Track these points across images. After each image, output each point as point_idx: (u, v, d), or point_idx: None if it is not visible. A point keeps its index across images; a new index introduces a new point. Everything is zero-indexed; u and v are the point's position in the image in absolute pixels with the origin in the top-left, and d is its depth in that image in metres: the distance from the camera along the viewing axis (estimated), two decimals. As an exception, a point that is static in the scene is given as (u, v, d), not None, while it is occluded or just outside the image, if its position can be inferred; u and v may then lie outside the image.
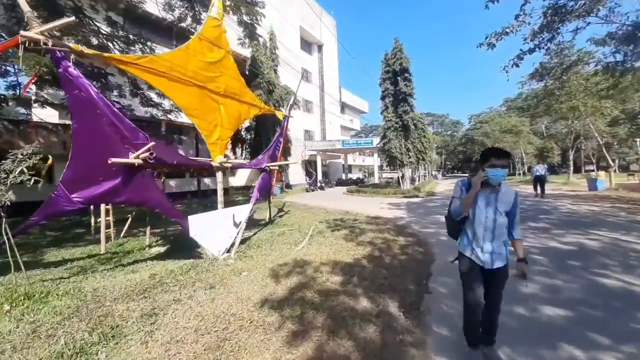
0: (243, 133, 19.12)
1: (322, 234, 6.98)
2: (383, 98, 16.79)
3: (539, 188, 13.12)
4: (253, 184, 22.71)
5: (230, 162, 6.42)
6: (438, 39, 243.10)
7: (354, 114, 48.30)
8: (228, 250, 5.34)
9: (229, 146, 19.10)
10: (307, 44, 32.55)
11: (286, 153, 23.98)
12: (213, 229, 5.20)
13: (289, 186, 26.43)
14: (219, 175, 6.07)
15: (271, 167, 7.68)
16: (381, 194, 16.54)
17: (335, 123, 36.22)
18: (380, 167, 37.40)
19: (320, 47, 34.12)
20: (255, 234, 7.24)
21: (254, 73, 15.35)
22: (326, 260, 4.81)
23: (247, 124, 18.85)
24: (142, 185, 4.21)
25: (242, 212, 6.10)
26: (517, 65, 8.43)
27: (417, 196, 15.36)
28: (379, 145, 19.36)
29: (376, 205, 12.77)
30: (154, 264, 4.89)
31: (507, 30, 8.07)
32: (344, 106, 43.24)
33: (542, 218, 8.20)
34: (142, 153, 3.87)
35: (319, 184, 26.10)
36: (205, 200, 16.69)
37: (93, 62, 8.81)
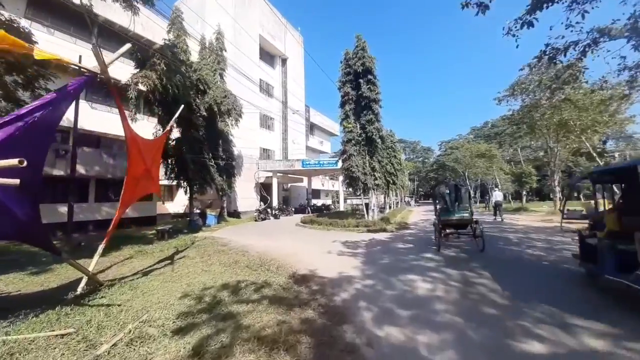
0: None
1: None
2: (343, 105, 13.47)
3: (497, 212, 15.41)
4: (208, 210, 17.78)
5: None
6: (406, 65, 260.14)
7: (325, 136, 45.56)
8: None
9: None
10: (268, 56, 29.69)
11: (232, 172, 19.73)
12: None
13: (236, 214, 21.71)
14: None
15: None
16: (339, 226, 12.54)
17: (300, 143, 32.75)
18: (352, 192, 34.10)
19: (284, 61, 31.44)
20: None
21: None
22: None
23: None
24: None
25: None
26: (531, 25, 5.18)
27: (384, 230, 11.53)
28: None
29: (325, 245, 8.69)
30: None
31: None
32: (313, 127, 40.35)
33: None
34: None
35: (272, 212, 21.67)
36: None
37: None
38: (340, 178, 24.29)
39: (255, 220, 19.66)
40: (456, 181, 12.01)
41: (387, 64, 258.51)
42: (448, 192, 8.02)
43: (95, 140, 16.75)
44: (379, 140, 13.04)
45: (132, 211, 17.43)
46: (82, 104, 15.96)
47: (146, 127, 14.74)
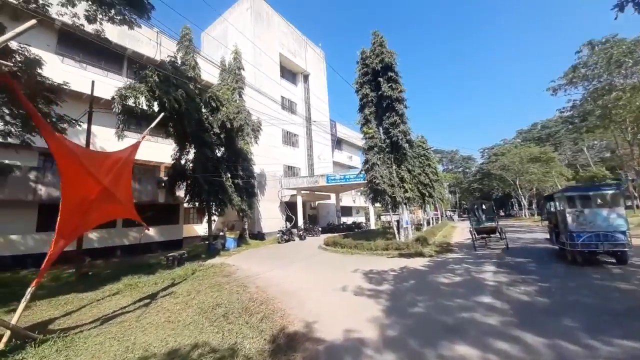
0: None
1: None
2: (362, 108, 11.83)
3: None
4: (227, 233, 16.88)
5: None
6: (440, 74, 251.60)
7: (354, 151, 43.89)
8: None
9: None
10: (290, 73, 29.53)
11: (252, 192, 18.82)
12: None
13: (260, 235, 20.58)
14: None
15: None
16: (365, 250, 10.51)
17: (327, 159, 31.44)
18: (387, 209, 31.30)
19: (306, 77, 31.07)
20: None
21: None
22: None
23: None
24: None
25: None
26: None
27: (420, 254, 9.25)
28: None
29: (342, 277, 6.83)
30: None
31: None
32: (340, 142, 39.08)
33: None
34: None
35: (298, 232, 20.14)
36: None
37: None
38: (362, 192, 22.22)
39: (279, 242, 18.27)
40: (482, 201, 13.74)
41: (416, 79, 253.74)
42: (476, 207, 11.81)
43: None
44: (406, 146, 11.02)
45: (158, 235, 17.19)
46: (110, 130, 16.81)
47: (165, 148, 14.57)
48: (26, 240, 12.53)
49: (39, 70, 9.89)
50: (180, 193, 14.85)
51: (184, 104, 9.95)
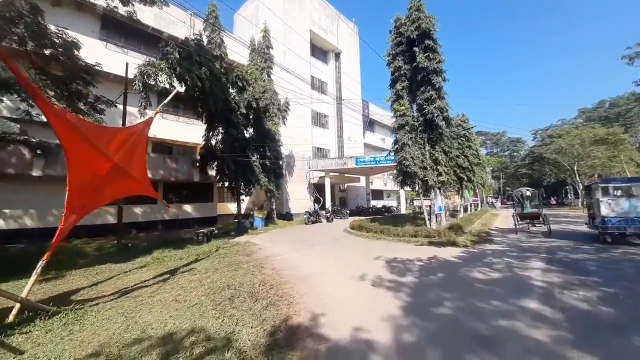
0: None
1: None
2: (393, 83, 10.68)
3: None
4: (255, 212, 17.45)
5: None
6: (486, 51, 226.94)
7: (388, 133, 41.92)
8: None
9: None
10: (321, 52, 28.34)
11: (279, 173, 18.78)
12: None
13: (288, 216, 20.76)
14: None
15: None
16: (391, 235, 9.84)
17: (357, 140, 30.35)
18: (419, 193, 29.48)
19: (337, 55, 29.64)
20: None
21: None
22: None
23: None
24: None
25: None
26: None
27: (453, 243, 8.36)
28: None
29: (363, 264, 6.35)
30: None
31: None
32: (372, 123, 37.49)
33: None
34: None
35: (326, 214, 19.91)
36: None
37: None
38: (393, 175, 21.05)
39: (305, 224, 18.25)
40: (527, 188, 13.30)
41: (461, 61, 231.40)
42: (520, 194, 12.00)
43: (166, 147, 18.23)
44: (442, 124, 9.77)
45: (194, 211, 18.25)
46: (148, 112, 17.66)
47: (201, 130, 14.93)
48: (154, 209, 14.68)
49: (77, 53, 10.36)
50: (212, 172, 15.24)
51: (207, 82, 9.80)
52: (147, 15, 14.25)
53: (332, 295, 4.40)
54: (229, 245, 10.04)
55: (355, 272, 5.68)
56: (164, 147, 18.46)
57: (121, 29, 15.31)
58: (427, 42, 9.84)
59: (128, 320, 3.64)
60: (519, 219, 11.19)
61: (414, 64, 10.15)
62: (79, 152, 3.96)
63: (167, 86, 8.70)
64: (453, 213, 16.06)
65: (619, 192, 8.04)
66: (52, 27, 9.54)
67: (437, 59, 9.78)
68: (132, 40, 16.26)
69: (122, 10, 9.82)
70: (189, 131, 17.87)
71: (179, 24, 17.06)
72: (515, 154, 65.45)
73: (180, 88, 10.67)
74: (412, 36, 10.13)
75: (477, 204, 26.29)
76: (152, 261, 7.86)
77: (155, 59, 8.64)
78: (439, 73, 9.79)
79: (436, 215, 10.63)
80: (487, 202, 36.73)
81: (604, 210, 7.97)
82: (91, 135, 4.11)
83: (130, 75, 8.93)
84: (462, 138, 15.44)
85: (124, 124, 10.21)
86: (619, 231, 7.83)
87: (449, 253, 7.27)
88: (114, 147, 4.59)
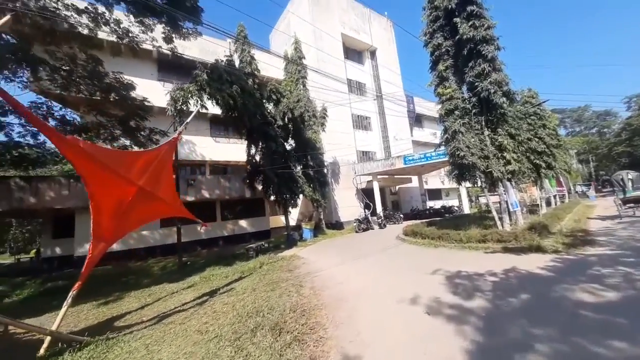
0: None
1: None
2: (434, 65, 9.26)
3: None
4: (303, 223, 17.58)
5: None
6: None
7: (437, 127, 38.57)
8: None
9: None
10: (355, 53, 27.57)
11: (324, 181, 18.29)
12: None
13: (338, 225, 20.08)
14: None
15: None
16: (452, 241, 8.30)
17: (404, 138, 28.36)
18: (483, 188, 25.59)
19: (373, 54, 28.50)
20: None
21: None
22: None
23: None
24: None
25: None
26: None
27: (538, 248, 6.55)
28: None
29: (415, 282, 5.26)
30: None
31: None
32: (420, 118, 34.93)
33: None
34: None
35: (377, 220, 18.66)
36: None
37: None
38: (446, 169, 18.67)
39: (356, 232, 17.31)
40: (627, 170, 11.93)
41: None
42: (621, 178, 11.33)
43: (221, 168, 19.70)
44: (502, 101, 7.99)
45: (250, 226, 19.11)
46: (208, 139, 19.31)
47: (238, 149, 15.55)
48: (154, 234, 15.52)
49: (132, 94, 11.62)
50: (260, 187, 15.58)
51: (239, 99, 9.91)
52: (192, 52, 15.56)
53: (374, 327, 3.51)
54: (273, 260, 9.76)
55: (406, 292, 4.64)
56: (219, 169, 19.82)
57: (173, 68, 17.13)
58: (469, 8, 8.31)
59: (147, 355, 3.35)
60: (621, 204, 10.73)
61: (457, 38, 8.68)
62: (99, 179, 3.94)
63: (200, 108, 8.98)
64: (532, 209, 13.28)
65: None
66: (111, 73, 10.79)
67: (486, 25, 8.14)
68: (183, 76, 17.95)
69: (165, 48, 10.73)
70: (239, 151, 18.80)
71: (220, 52, 18.32)
72: (605, 129, 54.20)
73: (215, 109, 11.18)
74: (449, 6, 8.71)
75: (564, 194, 21.79)
76: (199, 280, 7.96)
77: (186, 84, 9.03)
78: (490, 41, 8.13)
79: (509, 213, 8.69)
80: (577, 192, 30.52)
81: None
82: (109, 161, 4.09)
83: (192, 108, 9.60)
84: (532, 117, 12.83)
85: (175, 151, 11.02)
86: None
87: (533, 263, 5.62)
88: (137, 171, 4.55)
